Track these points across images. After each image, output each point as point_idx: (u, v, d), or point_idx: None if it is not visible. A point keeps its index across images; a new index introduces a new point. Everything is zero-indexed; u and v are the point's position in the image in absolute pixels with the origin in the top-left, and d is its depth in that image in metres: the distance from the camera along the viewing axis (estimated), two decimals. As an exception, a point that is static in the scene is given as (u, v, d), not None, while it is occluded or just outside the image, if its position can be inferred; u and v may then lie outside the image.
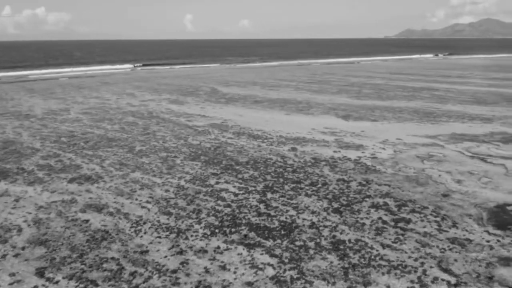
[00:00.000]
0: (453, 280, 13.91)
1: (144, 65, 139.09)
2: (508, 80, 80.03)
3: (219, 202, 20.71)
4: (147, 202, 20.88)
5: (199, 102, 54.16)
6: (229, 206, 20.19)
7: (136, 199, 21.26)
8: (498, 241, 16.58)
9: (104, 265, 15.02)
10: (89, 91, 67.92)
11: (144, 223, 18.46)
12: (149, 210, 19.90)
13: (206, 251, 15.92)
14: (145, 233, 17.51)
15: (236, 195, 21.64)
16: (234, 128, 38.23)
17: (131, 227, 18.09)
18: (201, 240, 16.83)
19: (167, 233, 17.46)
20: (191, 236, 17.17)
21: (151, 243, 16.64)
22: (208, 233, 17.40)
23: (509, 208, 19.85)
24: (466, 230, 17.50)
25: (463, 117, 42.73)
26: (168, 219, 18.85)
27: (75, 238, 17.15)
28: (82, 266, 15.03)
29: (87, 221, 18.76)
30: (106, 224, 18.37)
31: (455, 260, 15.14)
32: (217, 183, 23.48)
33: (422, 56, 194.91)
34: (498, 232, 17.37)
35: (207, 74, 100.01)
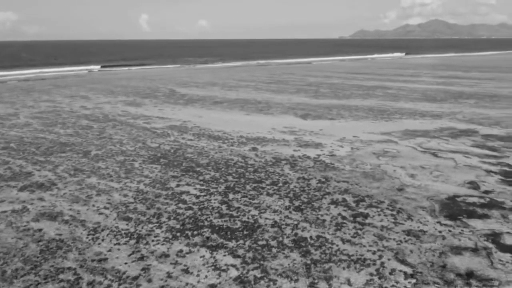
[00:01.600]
0: (409, 270, 14.52)
1: (103, 66, 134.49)
2: (455, 78, 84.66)
3: (180, 205, 20.42)
4: (105, 208, 20.22)
5: (157, 104, 53.14)
6: (190, 208, 19.96)
7: (93, 206, 20.52)
8: (450, 231, 17.49)
9: (60, 276, 14.38)
10: (39, 94, 64.78)
11: (102, 230, 17.86)
12: (107, 216, 19.27)
13: (168, 256, 15.65)
14: (103, 240, 16.94)
15: (197, 197, 21.43)
16: (194, 129, 37.85)
17: (88, 234, 17.44)
18: (162, 244, 16.51)
19: (127, 239, 16.99)
20: (152, 241, 16.81)
21: (109, 250, 16.12)
22: (170, 237, 17.11)
23: (458, 199, 21.00)
24: (420, 222, 18.33)
25: (414, 114, 44.72)
26: (127, 224, 18.35)
27: (28, 249, 16.30)
28: (36, 278, 14.31)
29: (40, 230, 17.88)
30: (61, 233, 17.60)
31: (411, 251, 15.82)
32: (177, 185, 23.14)
33: (381, 55, 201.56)
34: (450, 222, 18.33)
35: (165, 75, 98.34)
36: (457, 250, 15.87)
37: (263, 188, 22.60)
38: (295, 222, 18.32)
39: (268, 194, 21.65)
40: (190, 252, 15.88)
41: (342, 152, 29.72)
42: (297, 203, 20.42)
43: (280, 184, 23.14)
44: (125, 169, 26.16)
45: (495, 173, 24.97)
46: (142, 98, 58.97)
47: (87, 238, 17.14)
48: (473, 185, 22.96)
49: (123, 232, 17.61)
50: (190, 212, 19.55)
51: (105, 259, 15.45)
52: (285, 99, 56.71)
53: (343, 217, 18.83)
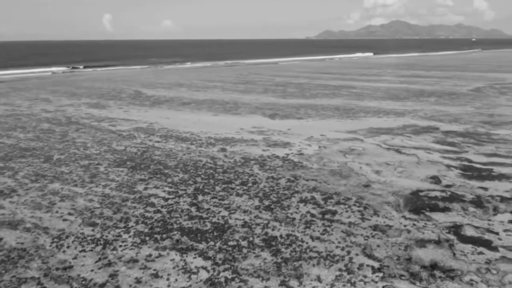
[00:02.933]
0: (376, 264, 14.91)
1: (73, 67, 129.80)
2: (416, 77, 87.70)
3: (148, 208, 20.05)
4: (69, 214, 19.55)
5: (122, 106, 51.94)
6: (159, 211, 19.64)
7: (57, 212, 19.80)
8: (414, 224, 18.09)
9: (23, 287, 13.78)
10: (-4, 97, 61.83)
11: (67, 236, 17.26)
12: (71, 222, 18.64)
13: (136, 261, 15.32)
14: (68, 247, 16.38)
15: (166, 200, 21.11)
16: (161, 131, 37.27)
17: (52, 242, 16.81)
18: (130, 249, 16.15)
19: (93, 245, 16.50)
20: (120, 246, 16.41)
21: (75, 257, 15.60)
22: (138, 241, 16.76)
23: (421, 194, 21.77)
24: (386, 217, 18.86)
25: (379, 112, 45.97)
26: (93, 230, 17.82)
27: (-14, 260, 15.50)
28: (-4, 290, 13.65)
29: (0, 239, 17.06)
30: (22, 242, 16.87)
31: (378, 246, 16.24)
32: (145, 188, 22.71)
33: (350, 55, 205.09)
34: (414, 216, 18.96)
35: (130, 77, 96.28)
36: (421, 243, 16.44)
37: (232, 188, 22.56)
38: (265, 222, 18.40)
39: (238, 195, 21.63)
40: (159, 256, 15.63)
41: (310, 150, 30.13)
42: (267, 203, 20.52)
43: (250, 184, 23.17)
44: (90, 174, 25.40)
45: (455, 167, 26.06)
46: (107, 100, 57.48)
47: (50, 246, 16.52)
48: (435, 179, 23.86)
49: (89, 238, 17.09)
50: (159, 215, 19.23)
51: (71, 267, 14.94)
52: (253, 99, 56.87)
53: (312, 215, 19.09)
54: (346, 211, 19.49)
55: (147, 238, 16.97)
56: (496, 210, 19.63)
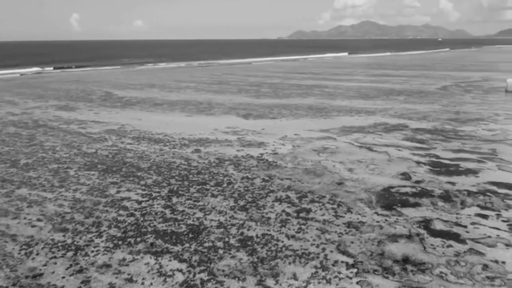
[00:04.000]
0: (350, 261, 15.17)
1: (44, 68, 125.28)
2: (386, 76, 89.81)
3: (121, 212, 19.66)
4: (38, 220, 18.92)
5: (92, 107, 50.71)
6: (132, 215, 19.29)
7: (25, 218, 19.11)
8: (386, 220, 18.52)
9: (-11, 297, 13.24)
10: (-43, 100, 59.12)
11: (36, 243, 16.69)
12: (41, 228, 18.04)
13: (109, 266, 14.99)
14: (37, 254, 15.84)
15: (139, 202, 20.76)
16: (133, 133, 36.62)
17: (21, 249, 16.22)
18: (103, 254, 15.79)
19: (64, 251, 16.03)
20: (92, 251, 16.01)
21: (45, 265, 15.11)
22: (111, 246, 16.40)
23: (393, 190, 22.30)
24: (359, 214, 19.22)
25: (350, 111, 46.79)
26: (64, 236, 17.31)
27: (-51, 270, 14.80)
28: (-40, 302, 13.05)
29: (-37, 249, 16.32)
30: (-12, 250, 16.19)
31: (352, 242, 16.53)
32: (117, 192, 22.26)
33: (325, 55, 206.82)
34: (386, 212, 19.41)
35: (100, 77, 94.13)
36: (393, 238, 16.85)
37: (207, 189, 22.43)
38: (241, 222, 18.39)
39: (212, 196, 21.53)
40: (133, 260, 15.35)
41: (284, 150, 30.33)
42: (242, 203, 20.51)
43: (225, 185, 23.10)
44: (59, 178, 24.67)
45: (425, 164, 26.85)
46: (76, 101, 55.99)
47: (19, 253, 15.93)
48: (405, 176, 24.51)
49: (59, 244, 16.60)
50: (132, 218, 18.89)
51: (40, 275, 14.46)
52: (226, 99, 56.73)
53: (287, 214, 19.23)
54: (321, 209, 19.74)
55: (120, 242, 16.64)
56: (463, 204, 20.35)
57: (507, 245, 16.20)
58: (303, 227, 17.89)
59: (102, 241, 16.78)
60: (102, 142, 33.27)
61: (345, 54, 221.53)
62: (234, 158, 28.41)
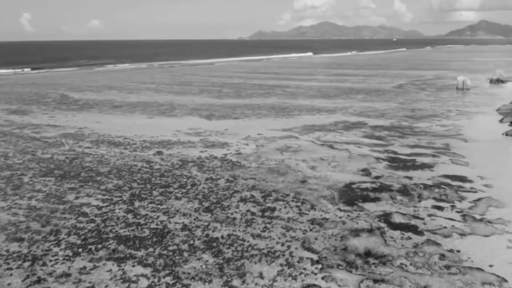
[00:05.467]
0: (315, 257, 15.43)
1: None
2: (344, 75, 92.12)
3: (80, 218, 18.96)
4: (-10, 230, 17.88)
5: (47, 111, 48.58)
6: (92, 221, 18.66)
7: (-25, 229, 18.01)
8: (348, 216, 18.99)
9: None
10: None
11: (-12, 255, 15.76)
12: (-7, 239, 17.06)
13: (69, 275, 14.41)
14: (-10, 267, 14.96)
15: (99, 208, 20.11)
16: (92, 136, 35.43)
17: (-29, 263, 15.26)
18: (62, 263, 15.16)
19: (20, 262, 15.25)
20: (50, 261, 15.33)
21: (0, 276, 14.32)
22: (71, 254, 15.78)
23: (354, 186, 22.91)
24: (323, 211, 19.59)
25: (312, 110, 47.61)
26: (19, 246, 16.47)
27: None
28: None
29: None
30: None
31: (316, 239, 16.82)
32: (76, 198, 21.45)
33: (290, 55, 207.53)
34: (348, 208, 19.90)
35: (55, 80, 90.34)
36: (356, 233, 17.31)
37: (170, 192, 22.09)
38: (206, 223, 18.24)
39: (176, 198, 21.22)
40: (94, 267, 14.84)
41: (248, 150, 30.40)
42: (206, 204, 20.36)
43: (189, 187, 22.84)
44: (12, 185, 23.46)
45: (383, 159, 27.78)
46: (29, 105, 53.42)
47: (-32, 267, 14.99)
48: (366, 172, 25.25)
49: (15, 255, 15.77)
50: (93, 225, 18.27)
51: (-6, 288, 13.68)
52: (188, 100, 56.11)
53: (252, 213, 19.28)
54: (285, 207, 19.95)
55: (80, 250, 16.04)
56: (420, 197, 21.23)
57: (461, 234, 17.07)
58: (268, 226, 18.00)
59: (61, 250, 16.12)
60: (59, 147, 31.97)
61: (310, 54, 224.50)
62: (198, 159, 28.15)
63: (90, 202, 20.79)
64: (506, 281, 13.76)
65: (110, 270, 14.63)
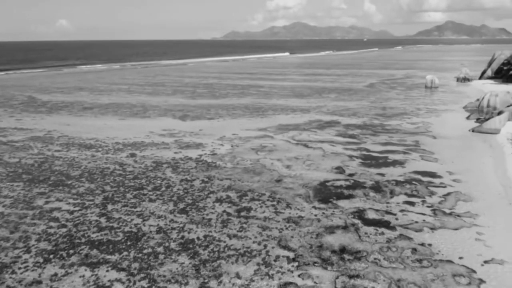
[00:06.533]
0: (291, 255, 15.54)
1: None
2: (317, 75, 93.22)
3: (51, 223, 18.39)
4: (-46, 239, 17.09)
5: (13, 114, 46.85)
6: (64, 226, 18.13)
7: None
8: (323, 213, 19.22)
9: None
10: None
11: (-48, 265, 15.07)
12: (-43, 248, 16.32)
13: (40, 282, 13.96)
14: (-46, 277, 14.31)
15: (71, 212, 19.57)
16: (62, 139, 34.43)
17: None
18: (33, 270, 14.67)
19: (-14, 271, 14.65)
20: (19, 268, 14.80)
21: (-36, 287, 13.71)
22: (41, 261, 15.28)
23: (328, 184, 23.21)
24: (298, 209, 19.75)
25: (286, 109, 47.93)
26: (-15, 254, 15.82)
27: None
28: None
29: None
30: None
31: (292, 237, 16.94)
32: (46, 202, 20.80)
33: (258, 56, 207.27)
34: (323, 205, 20.14)
35: (22, 81, 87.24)
36: (331, 230, 17.54)
37: (144, 194, 21.74)
38: (181, 225, 18.06)
39: (151, 200, 20.91)
40: (66, 274, 14.43)
41: (223, 150, 30.29)
42: (181, 206, 20.16)
43: (163, 189, 22.55)
44: (-23, 191, 22.49)
45: (356, 157, 28.28)
46: (-6, 108, 51.34)
47: None
48: (339, 170, 25.63)
49: (-20, 264, 15.13)
50: (64, 230, 17.76)
51: (-42, 299, 13.09)
52: (161, 101, 55.39)
53: (228, 214, 19.23)
54: (261, 207, 19.99)
55: (51, 256, 15.57)
56: (392, 193, 21.74)
57: (432, 228, 17.58)
58: (244, 225, 18.00)
59: (31, 257, 15.59)
60: (27, 151, 30.91)
61: (287, 54, 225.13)
62: (172, 160, 27.84)
63: (61, 207, 20.20)
64: (475, 272, 14.26)
65: (83, 276, 14.26)
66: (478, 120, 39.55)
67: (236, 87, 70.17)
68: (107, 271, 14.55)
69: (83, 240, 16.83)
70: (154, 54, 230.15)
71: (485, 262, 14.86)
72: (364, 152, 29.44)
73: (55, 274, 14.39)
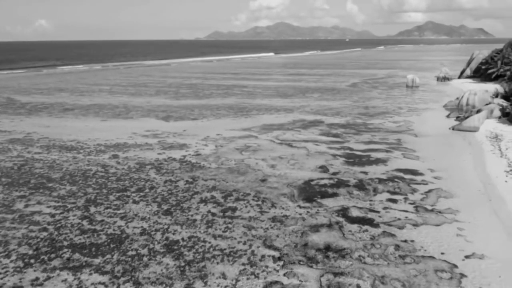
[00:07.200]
0: (277, 254, 15.58)
1: None
2: (301, 75, 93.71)
3: (32, 227, 18.00)
4: None
5: (-8, 116, 45.70)
6: (45, 229, 17.77)
7: None
8: (308, 212, 19.33)
9: None
10: None
11: None
12: None
13: (20, 287, 13.64)
14: None
15: (52, 215, 19.19)
16: (42, 141, 33.75)
17: None
18: (13, 275, 14.33)
19: (-36, 277, 14.25)
20: (0, 273, 14.45)
21: None
22: (22, 265, 14.94)
23: (313, 183, 23.35)
24: (283, 208, 19.81)
25: (270, 109, 48.03)
26: (-37, 260, 15.38)
27: None
28: None
29: None
30: None
31: (277, 236, 16.98)
32: (26, 206, 20.35)
33: (250, 55, 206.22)
34: (307, 204, 20.25)
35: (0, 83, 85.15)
36: (315, 228, 17.65)
37: (128, 196, 21.48)
38: (165, 226, 17.91)
39: (134, 202, 20.67)
40: (48, 278, 14.15)
41: (207, 150, 30.16)
42: (166, 207, 19.99)
43: (147, 190, 22.33)
44: (-46, 196, 21.86)
45: (340, 156, 28.53)
46: (-29, 110, 50.00)
47: None
48: (323, 168, 25.82)
49: (-43, 270, 14.71)
50: (45, 233, 17.41)
51: None
52: (144, 102, 54.83)
53: (213, 214, 19.16)
54: (246, 207, 19.98)
55: (32, 261, 15.24)
56: (375, 191, 22.01)
57: (414, 225, 17.86)
58: (229, 225, 17.96)
59: (11, 261, 15.22)
60: (5, 153, 30.18)
61: (272, 54, 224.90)
62: (156, 161, 27.58)
63: (41, 210, 19.80)
64: (456, 267, 14.55)
65: (65, 280, 14.01)
66: (457, 118, 40.38)
67: (220, 87, 69.99)
68: (90, 274, 14.33)
69: (65, 243, 16.52)
70: (137, 54, 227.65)
71: (466, 257, 15.18)
72: (348, 151, 29.73)
73: (36, 279, 14.10)
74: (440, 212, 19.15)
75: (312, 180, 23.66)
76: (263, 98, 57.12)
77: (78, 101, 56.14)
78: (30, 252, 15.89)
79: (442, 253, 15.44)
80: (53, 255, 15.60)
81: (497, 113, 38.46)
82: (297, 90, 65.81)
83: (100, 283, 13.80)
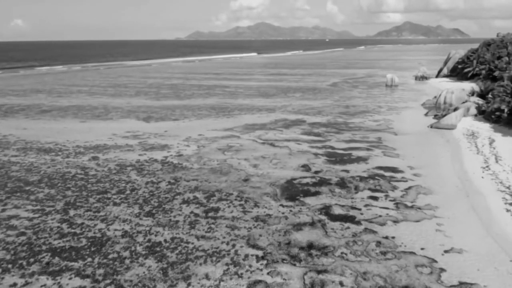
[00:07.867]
0: (260, 253, 15.59)
1: None
2: (282, 75, 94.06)
3: (9, 232, 17.53)
4: None
5: (-35, 118, 44.31)
6: (23, 234, 17.33)
7: None
8: (291, 211, 19.41)
9: None
10: None
11: None
12: None
13: (-3, 294, 13.28)
14: None
15: (30, 219, 18.73)
16: (18, 143, 32.90)
17: None
18: (-12, 282, 13.93)
19: None
20: (-26, 280, 14.02)
21: None
22: (-2, 271, 14.54)
23: (295, 182, 23.46)
24: (266, 207, 19.84)
25: (252, 109, 48.04)
26: None
27: None
28: None
29: None
30: None
31: (260, 235, 16.99)
32: (3, 210, 19.80)
33: (233, 55, 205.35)
34: (290, 203, 20.34)
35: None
36: (298, 227, 17.75)
37: (108, 198, 21.15)
38: (147, 228, 17.71)
39: (115, 204, 20.36)
40: (26, 283, 13.80)
41: (189, 151, 29.96)
42: (147, 209, 19.76)
43: (128, 192, 22.03)
44: None
45: (322, 155, 28.76)
46: None
47: None
48: (306, 167, 25.98)
49: None
50: (23, 238, 16.98)
51: None
52: (124, 102, 54.09)
53: (196, 215, 19.04)
54: (229, 207, 19.93)
55: (10, 266, 14.84)
56: (357, 188, 22.27)
57: (395, 221, 18.16)
58: (212, 226, 17.88)
59: (-14, 268, 14.78)
60: (-20, 157, 29.29)
61: (255, 54, 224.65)
62: (137, 163, 27.24)
63: (19, 214, 19.30)
64: (436, 261, 14.86)
65: (45, 285, 13.70)
66: (435, 116, 41.23)
67: (202, 88, 69.63)
68: (70, 278, 14.05)
69: (44, 247, 16.15)
70: (116, 55, 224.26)
71: (445, 251, 15.52)
72: (329, 150, 30.00)
73: (14, 284, 13.74)
74: (419, 208, 19.52)
75: (294, 179, 23.78)
76: (245, 98, 57.09)
77: (56, 102, 54.96)
78: (8, 257, 15.48)
79: (422, 249, 15.74)
80: (31, 260, 15.23)
81: (474, 111, 39.45)
82: (279, 90, 66.04)
83: (80, 287, 13.55)
